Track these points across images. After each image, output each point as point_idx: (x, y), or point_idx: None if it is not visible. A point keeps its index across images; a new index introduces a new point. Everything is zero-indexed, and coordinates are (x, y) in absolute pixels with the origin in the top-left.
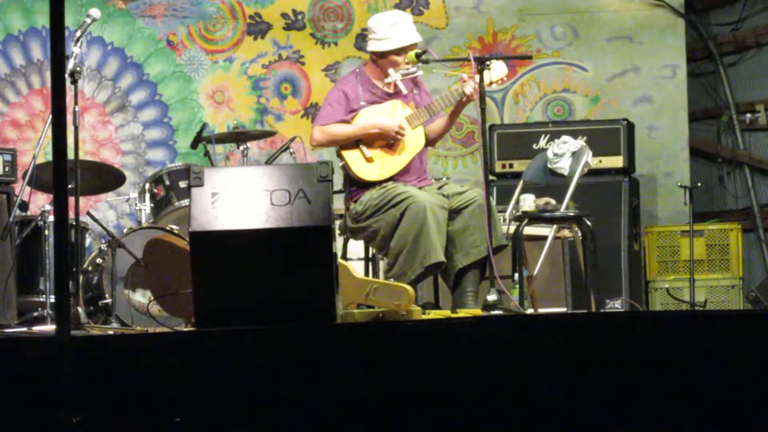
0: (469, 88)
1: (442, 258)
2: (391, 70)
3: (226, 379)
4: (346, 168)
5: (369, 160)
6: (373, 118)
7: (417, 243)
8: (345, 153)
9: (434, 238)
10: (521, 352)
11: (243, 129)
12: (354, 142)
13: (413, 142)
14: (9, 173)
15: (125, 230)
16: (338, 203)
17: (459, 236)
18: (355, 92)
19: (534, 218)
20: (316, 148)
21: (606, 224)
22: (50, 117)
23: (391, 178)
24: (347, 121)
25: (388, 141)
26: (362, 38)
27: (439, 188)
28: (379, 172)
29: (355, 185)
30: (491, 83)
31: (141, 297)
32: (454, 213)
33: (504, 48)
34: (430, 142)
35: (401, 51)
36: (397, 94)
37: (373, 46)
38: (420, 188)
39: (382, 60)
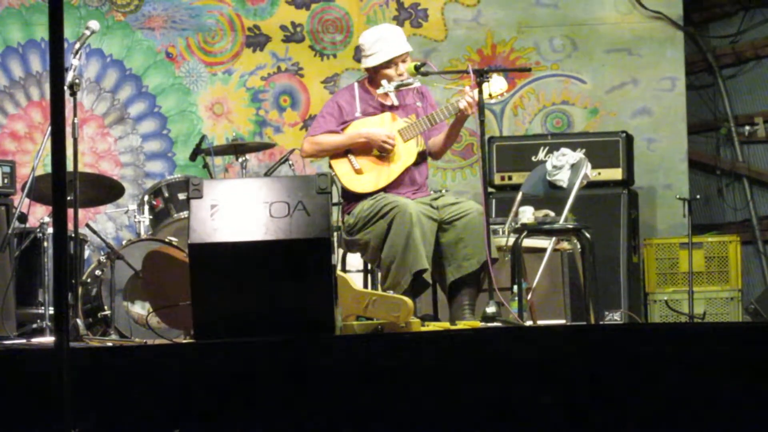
0: (464, 102)
1: (425, 265)
2: (384, 82)
3: (225, 390)
4: (336, 179)
5: (358, 171)
6: (361, 127)
7: (406, 252)
8: (335, 164)
9: (419, 246)
10: (520, 364)
11: (242, 141)
12: (344, 153)
13: (405, 155)
14: (8, 185)
15: (124, 242)
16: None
17: (451, 249)
18: (350, 104)
19: (533, 230)
20: (307, 159)
21: (605, 236)
22: (49, 129)
23: (382, 191)
24: (337, 132)
25: (378, 153)
26: (361, 51)
27: (434, 200)
28: (368, 183)
29: (346, 197)
30: (491, 97)
31: (140, 309)
32: (445, 225)
33: (503, 60)
34: (432, 155)
35: (389, 64)
36: (394, 106)
37: (364, 62)
38: (412, 200)
39: (376, 75)
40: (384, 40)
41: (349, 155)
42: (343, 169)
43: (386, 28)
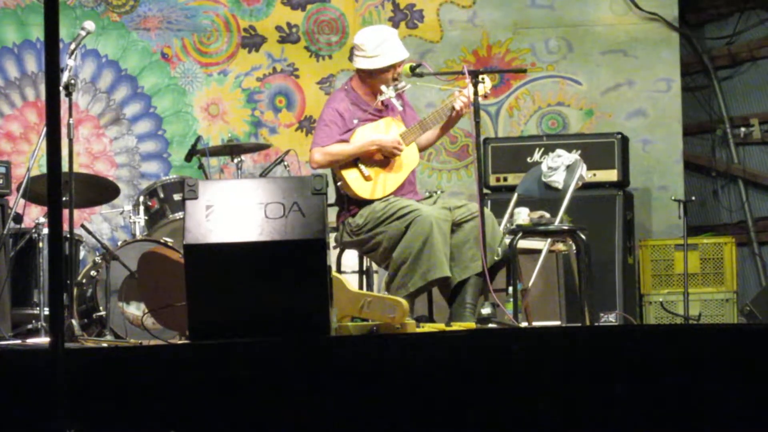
0: (459, 103)
1: (447, 273)
2: (383, 87)
3: (220, 391)
4: (344, 187)
5: (368, 178)
6: (370, 135)
7: (420, 256)
8: (344, 172)
9: (439, 253)
10: (515, 366)
11: (237, 142)
12: (352, 161)
13: (409, 158)
14: (3, 185)
15: (119, 243)
16: (332, 216)
17: (458, 250)
18: (347, 111)
19: (528, 232)
20: (303, 161)
21: (600, 238)
22: (44, 129)
23: (388, 196)
24: (345, 141)
25: (385, 158)
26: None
27: (434, 202)
28: (377, 190)
29: (353, 202)
30: (479, 95)
31: (135, 309)
32: (454, 226)
33: (498, 61)
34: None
35: (390, 68)
36: (387, 109)
37: (362, 63)
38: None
39: (371, 78)
40: (388, 43)
41: (359, 163)
42: (353, 177)
43: (387, 31)
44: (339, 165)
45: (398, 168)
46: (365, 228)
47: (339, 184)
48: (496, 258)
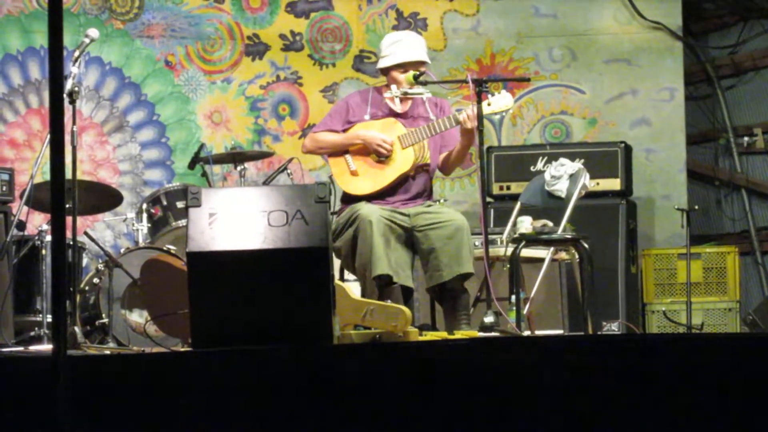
0: (464, 114)
1: (384, 270)
2: (393, 86)
3: (223, 400)
4: (332, 178)
5: (353, 173)
6: (362, 129)
7: (372, 260)
8: (332, 162)
9: (378, 250)
10: (518, 375)
11: (240, 149)
12: (342, 153)
13: (401, 161)
14: (6, 193)
15: (122, 250)
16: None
17: (425, 258)
18: (360, 106)
19: (531, 240)
20: (306, 168)
21: (603, 247)
22: (48, 137)
23: (376, 195)
24: (338, 131)
25: (377, 157)
26: (360, 60)
27: (406, 208)
28: (361, 186)
29: (343, 200)
30: (496, 113)
31: (138, 317)
32: (418, 232)
33: (502, 70)
34: (440, 170)
35: (399, 67)
36: (404, 113)
37: (378, 63)
38: (387, 207)
39: (386, 77)
40: (399, 44)
41: (346, 156)
42: (339, 169)
43: (406, 34)
44: (324, 153)
45: (387, 168)
46: (335, 234)
47: (329, 175)
48: (470, 271)
